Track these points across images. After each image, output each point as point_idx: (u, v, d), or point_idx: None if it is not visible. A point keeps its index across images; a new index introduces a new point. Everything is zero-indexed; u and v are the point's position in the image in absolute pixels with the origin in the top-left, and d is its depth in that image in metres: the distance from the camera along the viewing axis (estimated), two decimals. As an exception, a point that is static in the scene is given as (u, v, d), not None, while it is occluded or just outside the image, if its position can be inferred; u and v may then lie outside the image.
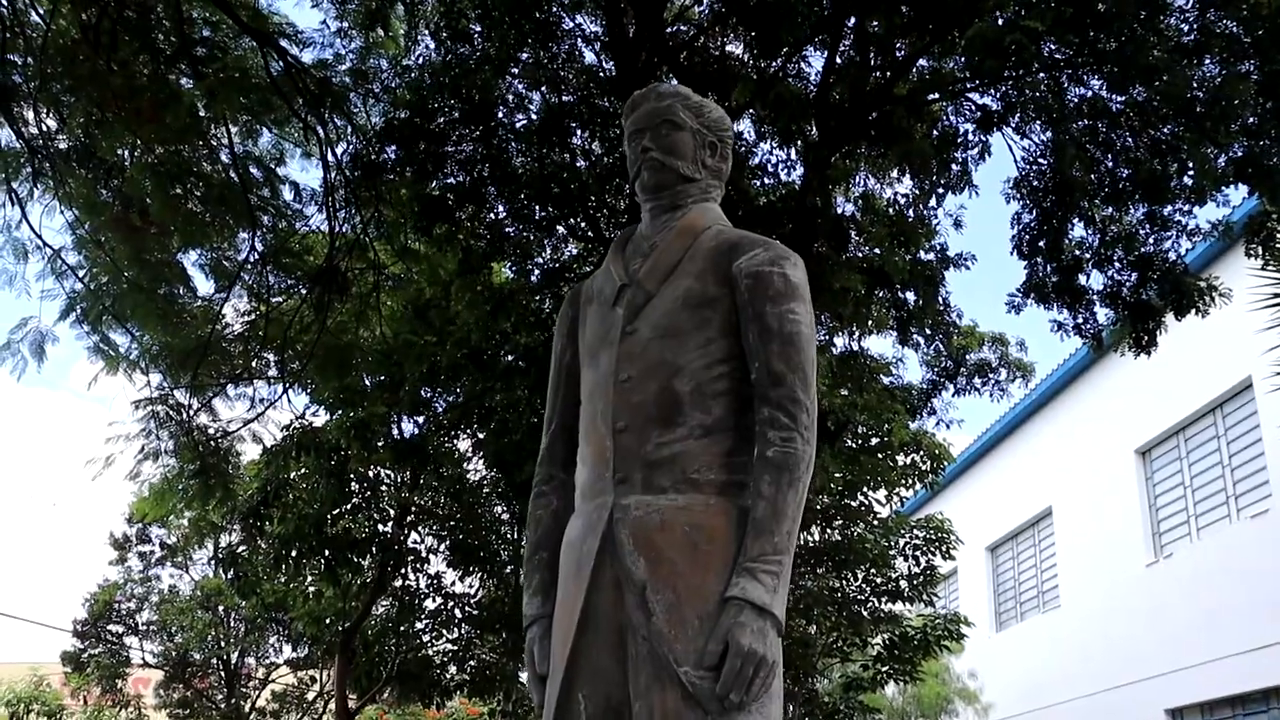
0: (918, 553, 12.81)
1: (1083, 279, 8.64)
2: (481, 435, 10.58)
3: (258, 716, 19.14)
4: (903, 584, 12.71)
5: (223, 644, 19.07)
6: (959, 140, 8.58)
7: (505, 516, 11.62)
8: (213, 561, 19.48)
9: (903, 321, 9.53)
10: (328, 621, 12.66)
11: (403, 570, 11.93)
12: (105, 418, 39.90)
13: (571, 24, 8.74)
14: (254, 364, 9.92)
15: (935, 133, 8.57)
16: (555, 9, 8.46)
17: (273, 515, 9.91)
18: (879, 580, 12.67)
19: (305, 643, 15.15)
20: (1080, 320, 8.72)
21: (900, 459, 11.82)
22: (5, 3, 7.04)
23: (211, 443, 9.66)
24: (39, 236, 8.28)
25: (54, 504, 54.92)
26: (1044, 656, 17.30)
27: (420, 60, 8.80)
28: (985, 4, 7.01)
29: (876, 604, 12.83)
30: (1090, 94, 7.92)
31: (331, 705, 15.43)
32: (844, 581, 12.56)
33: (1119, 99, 7.72)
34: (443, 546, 11.79)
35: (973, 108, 8.57)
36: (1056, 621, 17.48)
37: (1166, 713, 13.93)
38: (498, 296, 9.05)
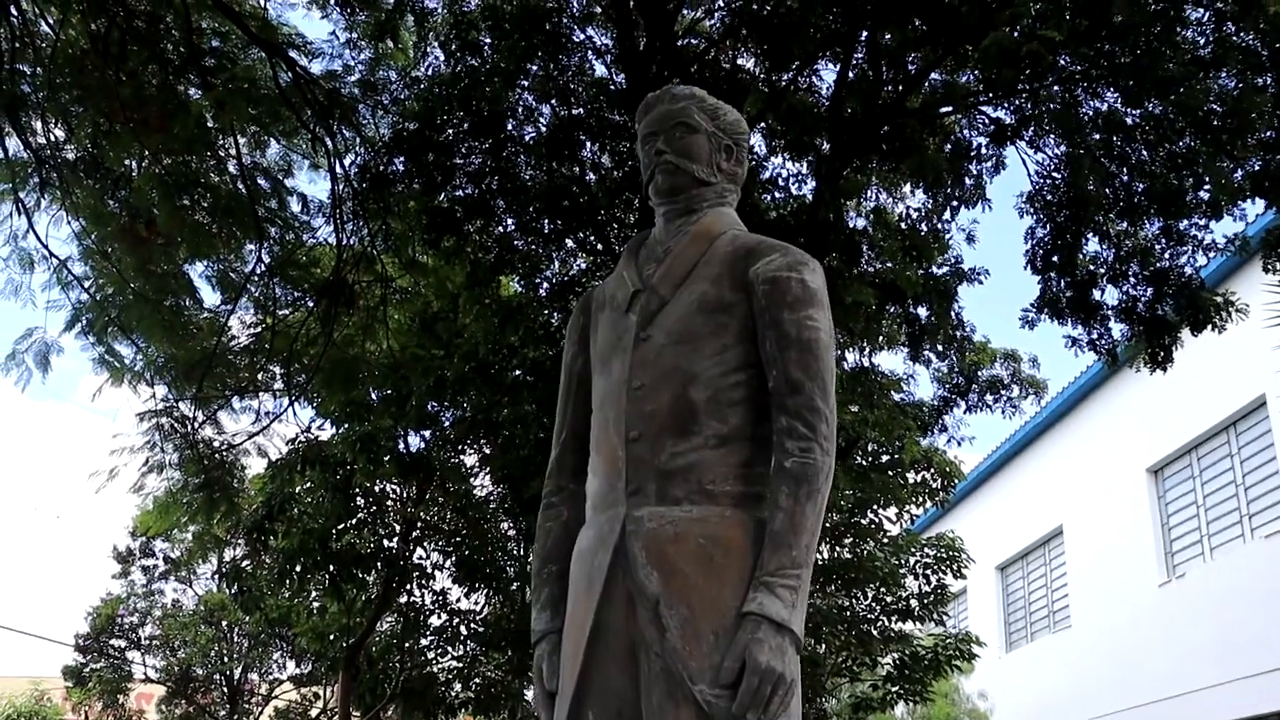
0: (928, 571, 12.70)
1: (1097, 294, 8.60)
2: (488, 450, 10.55)
3: (261, 733, 19.08)
4: (913, 603, 12.60)
5: (226, 659, 19.02)
6: (972, 154, 8.54)
7: (512, 532, 11.57)
8: (216, 576, 19.49)
9: (915, 337, 9.47)
10: (332, 637, 12.60)
11: (408, 586, 11.87)
12: (110, 430, 39.95)
13: (582, 36, 8.73)
14: (260, 377, 9.89)
15: (948, 146, 8.52)
16: (565, 21, 8.44)
17: (277, 530, 9.89)
18: (889, 599, 12.55)
19: (309, 659, 15.11)
20: (1095, 336, 8.66)
21: (911, 476, 11.75)
22: (14, 12, 7.02)
23: (216, 456, 9.63)
24: (45, 246, 8.25)
25: (58, 516, 55.07)
26: (1055, 677, 17.11)
27: (429, 72, 8.81)
28: (999, 17, 6.98)
29: (886, 623, 12.71)
30: (1105, 107, 7.88)
31: (335, 722, 15.33)
32: (854, 600, 12.46)
33: (1134, 112, 7.68)
34: (448, 562, 11.73)
35: (986, 121, 8.54)
36: (1067, 642, 17.29)
37: (1179, 735, 13.76)
38: (506, 310, 9.01)
